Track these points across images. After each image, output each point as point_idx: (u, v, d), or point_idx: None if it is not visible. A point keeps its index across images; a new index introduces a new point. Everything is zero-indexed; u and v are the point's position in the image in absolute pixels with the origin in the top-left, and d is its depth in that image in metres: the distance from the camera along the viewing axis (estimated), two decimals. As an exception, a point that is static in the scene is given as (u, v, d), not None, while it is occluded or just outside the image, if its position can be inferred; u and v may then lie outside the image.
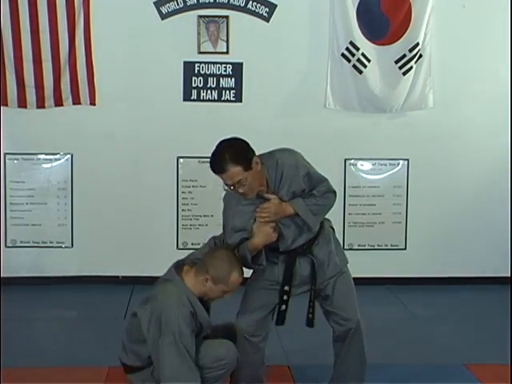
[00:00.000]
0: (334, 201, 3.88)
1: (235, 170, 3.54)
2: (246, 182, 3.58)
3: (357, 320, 3.91)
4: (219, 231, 3.89)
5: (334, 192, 3.87)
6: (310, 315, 3.91)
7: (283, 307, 3.85)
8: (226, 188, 3.65)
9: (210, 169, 3.63)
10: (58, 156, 6.12)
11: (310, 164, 3.84)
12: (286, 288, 3.84)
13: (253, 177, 3.60)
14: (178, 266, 3.68)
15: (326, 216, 3.95)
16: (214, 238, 3.94)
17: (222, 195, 3.83)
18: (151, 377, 3.67)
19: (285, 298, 3.84)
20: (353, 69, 6.04)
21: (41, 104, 5.94)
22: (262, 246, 3.74)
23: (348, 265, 4.09)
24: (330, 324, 3.96)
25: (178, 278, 3.59)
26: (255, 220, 3.73)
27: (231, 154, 3.57)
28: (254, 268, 3.83)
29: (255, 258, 3.75)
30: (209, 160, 3.61)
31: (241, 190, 3.60)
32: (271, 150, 3.80)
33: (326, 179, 3.84)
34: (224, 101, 6.12)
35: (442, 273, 6.38)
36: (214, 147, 3.65)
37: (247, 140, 3.81)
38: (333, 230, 4.04)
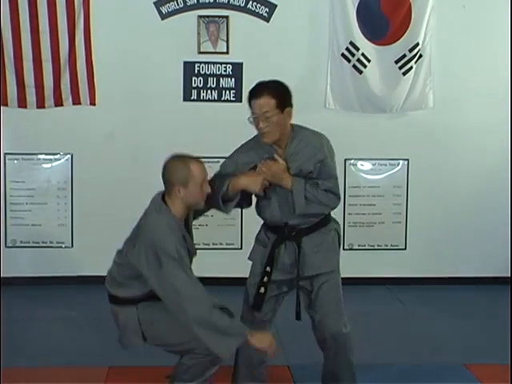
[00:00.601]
0: (333, 205, 3.84)
1: (268, 101, 3.62)
2: (270, 120, 3.64)
3: (337, 331, 3.81)
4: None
5: (338, 196, 3.82)
6: (298, 307, 3.87)
7: (262, 290, 3.80)
8: (251, 120, 3.71)
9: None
10: (57, 156, 6.13)
11: (333, 158, 3.83)
12: (268, 269, 3.79)
13: (278, 120, 3.67)
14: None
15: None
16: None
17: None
18: (135, 315, 3.64)
19: (265, 279, 3.80)
20: (353, 69, 6.05)
21: (41, 104, 5.94)
22: (241, 188, 3.71)
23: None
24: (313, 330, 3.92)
25: (164, 206, 3.59)
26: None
27: (273, 86, 3.69)
28: (218, 205, 3.77)
29: (226, 200, 3.75)
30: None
31: (262, 125, 3.65)
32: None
33: (337, 179, 3.82)
34: (224, 101, 6.13)
35: (442, 273, 6.38)
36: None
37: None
38: (338, 235, 3.95)
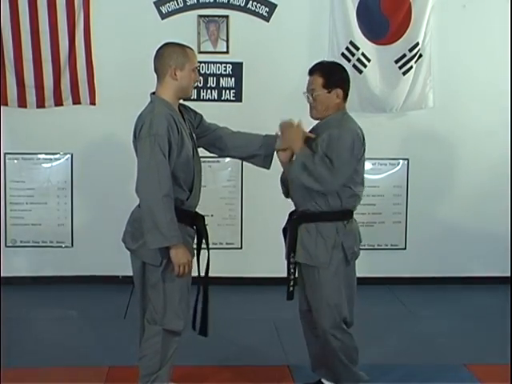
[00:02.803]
0: (326, 185, 3.73)
1: (317, 79, 3.86)
2: (316, 97, 3.85)
3: (324, 329, 3.86)
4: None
5: (330, 180, 3.71)
6: (291, 288, 3.92)
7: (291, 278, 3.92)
8: (304, 92, 3.93)
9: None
10: (57, 156, 6.13)
11: (348, 151, 3.75)
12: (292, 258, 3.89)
13: (324, 99, 3.87)
14: None
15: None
16: None
17: None
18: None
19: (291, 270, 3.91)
20: (353, 68, 6.04)
21: (41, 104, 5.94)
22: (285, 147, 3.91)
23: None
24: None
25: (157, 97, 3.72)
26: None
27: (327, 67, 3.94)
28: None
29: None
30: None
31: (310, 100, 3.90)
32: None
33: (341, 168, 3.73)
34: (224, 100, 6.12)
35: (442, 272, 6.38)
36: None
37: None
38: (342, 246, 3.88)
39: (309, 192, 3.79)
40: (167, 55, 3.75)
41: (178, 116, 3.69)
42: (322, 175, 3.70)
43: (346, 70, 3.99)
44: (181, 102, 3.85)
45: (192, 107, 6.20)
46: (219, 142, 3.99)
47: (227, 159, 6.02)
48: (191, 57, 3.78)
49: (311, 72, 3.90)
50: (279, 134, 3.96)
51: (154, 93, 3.79)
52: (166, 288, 3.68)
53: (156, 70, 3.78)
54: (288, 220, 3.99)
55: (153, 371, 3.72)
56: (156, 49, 5.95)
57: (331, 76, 3.86)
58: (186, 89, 3.75)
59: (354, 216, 3.94)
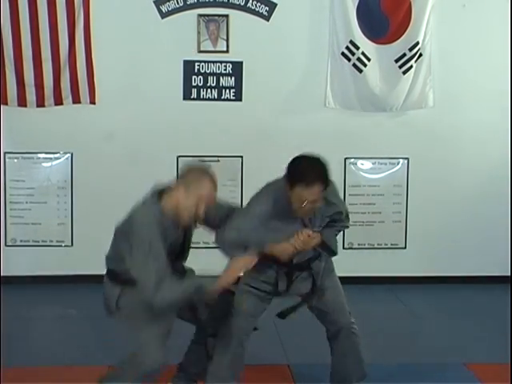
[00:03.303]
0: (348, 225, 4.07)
1: (321, 189, 3.61)
2: (317, 203, 3.66)
3: (348, 322, 3.94)
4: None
5: (349, 218, 4.03)
6: (291, 310, 3.99)
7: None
8: (302, 205, 3.62)
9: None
10: (57, 155, 6.12)
11: (337, 195, 3.96)
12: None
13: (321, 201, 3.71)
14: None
15: None
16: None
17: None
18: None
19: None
20: (353, 68, 6.04)
21: (41, 103, 5.94)
22: (272, 254, 3.77)
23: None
24: (323, 324, 4.00)
25: (156, 198, 3.68)
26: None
27: (324, 172, 3.65)
28: (236, 253, 3.78)
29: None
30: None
31: (310, 207, 3.63)
32: None
33: (348, 215, 3.99)
34: (224, 100, 6.12)
35: (442, 272, 6.38)
36: (302, 159, 3.73)
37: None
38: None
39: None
40: (186, 172, 3.66)
41: (164, 225, 3.61)
42: (341, 229, 4.04)
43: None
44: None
45: (192, 106, 6.25)
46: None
47: (227, 159, 6.05)
48: (205, 188, 3.58)
49: (324, 184, 3.62)
50: None
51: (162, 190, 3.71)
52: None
53: (183, 177, 3.67)
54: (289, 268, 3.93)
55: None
56: (155, 49, 6.01)
57: (329, 179, 3.69)
58: (182, 214, 3.62)
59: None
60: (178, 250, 3.72)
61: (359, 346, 3.99)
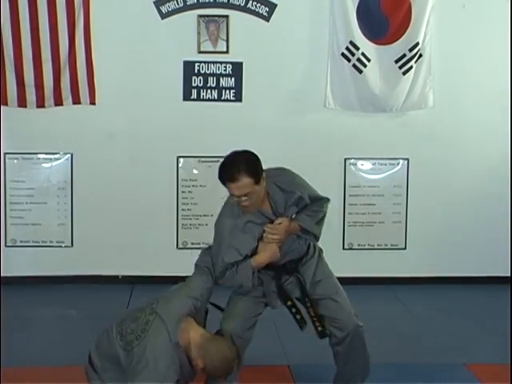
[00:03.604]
0: (327, 207, 4.01)
1: (247, 182, 3.59)
2: (253, 196, 3.63)
3: (354, 324, 3.91)
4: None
5: (328, 199, 4.00)
6: (319, 328, 3.92)
7: (298, 316, 3.94)
8: (232, 200, 3.69)
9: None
10: (57, 155, 6.12)
11: (301, 181, 3.94)
12: (289, 303, 3.92)
13: (259, 192, 3.67)
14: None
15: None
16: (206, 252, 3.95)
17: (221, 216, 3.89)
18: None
19: (293, 310, 3.94)
20: (353, 68, 6.04)
21: (41, 103, 5.94)
22: (266, 263, 3.81)
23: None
24: (328, 328, 3.97)
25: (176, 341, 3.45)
26: (258, 240, 3.80)
27: (245, 165, 3.62)
28: (248, 290, 3.84)
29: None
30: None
31: (246, 203, 3.65)
32: (268, 168, 3.84)
33: (320, 197, 3.97)
34: (224, 100, 6.12)
35: (442, 272, 6.37)
36: (225, 157, 3.71)
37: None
38: (320, 250, 4.11)
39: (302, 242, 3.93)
40: (207, 359, 3.41)
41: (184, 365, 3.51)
42: (323, 211, 3.97)
43: (250, 151, 3.75)
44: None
45: (192, 107, 6.25)
46: None
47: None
48: (226, 369, 3.46)
49: (235, 179, 3.58)
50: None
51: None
52: None
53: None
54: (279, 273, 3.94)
55: None
56: (155, 49, 6.01)
57: (257, 170, 3.65)
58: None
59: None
60: None
61: (367, 346, 3.97)
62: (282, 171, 3.94)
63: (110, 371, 3.59)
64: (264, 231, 3.79)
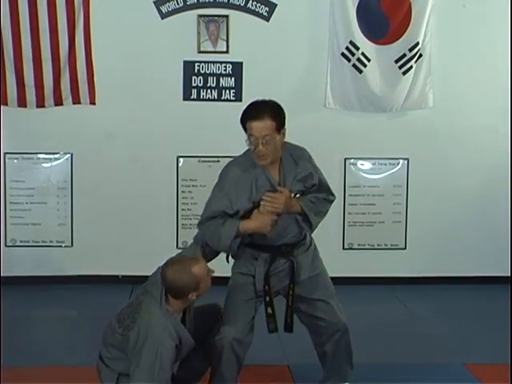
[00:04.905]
0: (329, 208, 3.99)
1: (270, 123, 3.58)
2: (270, 142, 3.59)
3: (343, 323, 3.92)
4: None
5: (331, 202, 3.97)
6: (289, 319, 3.90)
7: (269, 310, 3.83)
8: (248, 144, 3.65)
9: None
10: (57, 155, 6.12)
11: (317, 167, 3.92)
12: (267, 288, 3.81)
13: (277, 143, 3.64)
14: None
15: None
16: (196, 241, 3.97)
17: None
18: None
19: (267, 299, 3.82)
20: (353, 68, 6.04)
21: (41, 103, 5.94)
22: (252, 232, 3.71)
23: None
24: (315, 329, 3.98)
25: (165, 304, 3.55)
26: (255, 207, 3.71)
27: (270, 107, 3.66)
28: (225, 248, 3.76)
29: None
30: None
31: (262, 147, 3.59)
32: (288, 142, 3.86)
33: (329, 187, 3.94)
34: (224, 100, 6.12)
35: (442, 272, 6.38)
36: (253, 101, 3.74)
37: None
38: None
39: (300, 227, 3.85)
40: (178, 285, 3.51)
41: (182, 333, 3.57)
42: (324, 210, 3.92)
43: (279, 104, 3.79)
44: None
45: (192, 107, 6.25)
46: None
47: (227, 159, 6.04)
48: (201, 273, 3.54)
49: (259, 117, 3.59)
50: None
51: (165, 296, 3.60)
52: None
53: (167, 289, 3.57)
54: (274, 256, 3.85)
55: None
56: (155, 49, 6.01)
57: (281, 117, 3.67)
58: (204, 294, 3.62)
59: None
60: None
61: (350, 343, 3.99)
62: (301, 148, 3.90)
63: (119, 360, 3.65)
64: (262, 199, 3.68)
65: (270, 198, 3.65)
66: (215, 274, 3.67)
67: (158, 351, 3.42)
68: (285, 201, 3.67)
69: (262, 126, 3.57)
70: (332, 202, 3.98)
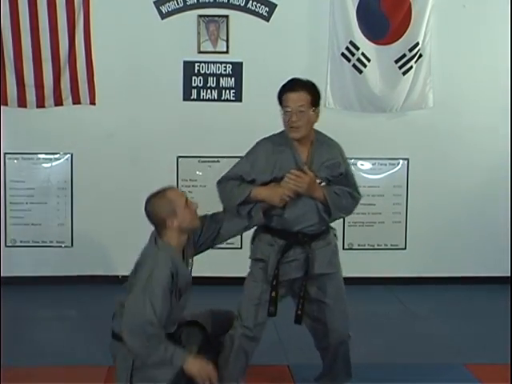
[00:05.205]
0: (354, 208, 3.97)
1: (305, 96, 3.72)
2: (304, 115, 3.72)
3: (346, 334, 3.94)
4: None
5: (358, 200, 3.94)
6: (299, 312, 3.88)
7: (273, 293, 3.82)
8: (283, 117, 3.77)
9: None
10: (57, 155, 6.13)
11: (348, 163, 3.96)
12: (276, 271, 3.81)
13: (310, 117, 3.75)
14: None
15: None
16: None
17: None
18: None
19: (274, 282, 3.81)
20: (353, 68, 6.04)
21: (41, 103, 5.94)
22: (260, 200, 3.75)
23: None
24: (315, 332, 3.99)
25: (160, 241, 3.63)
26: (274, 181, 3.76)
27: (309, 84, 3.81)
28: (233, 206, 3.81)
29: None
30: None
31: (295, 118, 3.70)
32: None
33: (355, 184, 3.95)
34: (224, 100, 6.12)
35: (442, 272, 6.37)
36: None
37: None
38: (336, 238, 4.05)
39: (320, 217, 3.83)
40: (156, 212, 3.62)
41: (180, 266, 3.61)
42: (350, 206, 3.91)
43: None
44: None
45: (192, 107, 6.25)
46: (218, 239, 3.93)
47: (227, 160, 6.04)
48: (175, 197, 3.64)
49: (296, 89, 3.75)
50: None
51: (157, 233, 3.69)
52: None
53: (155, 226, 3.68)
54: (290, 244, 3.86)
55: None
56: (155, 49, 6.02)
57: (317, 94, 3.80)
58: (189, 225, 3.65)
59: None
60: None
61: (349, 352, 4.00)
62: (335, 141, 3.98)
63: None
64: (286, 176, 3.73)
65: (294, 176, 3.70)
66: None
67: (151, 273, 3.49)
68: (308, 182, 3.71)
69: (297, 97, 3.72)
70: (357, 200, 3.93)
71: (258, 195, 3.75)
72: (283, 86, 3.80)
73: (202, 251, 3.90)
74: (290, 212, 3.78)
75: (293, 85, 3.77)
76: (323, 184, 3.81)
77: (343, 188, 3.84)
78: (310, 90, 3.75)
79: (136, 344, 3.46)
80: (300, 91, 3.72)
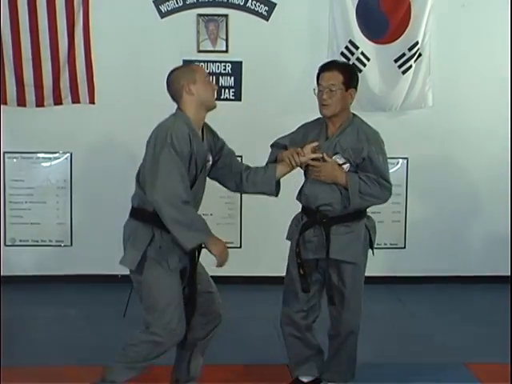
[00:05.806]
0: (386, 198, 4.02)
1: (338, 75, 3.84)
2: (334, 94, 3.82)
3: (357, 324, 3.97)
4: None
5: (389, 189, 3.96)
6: (329, 293, 3.96)
7: (301, 271, 3.90)
8: (315, 91, 3.89)
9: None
10: (57, 155, 6.13)
11: (383, 154, 3.92)
12: (297, 250, 3.91)
13: (342, 97, 3.84)
14: None
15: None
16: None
17: None
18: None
19: (298, 260, 3.91)
20: (352, 68, 6.05)
21: (40, 103, 5.94)
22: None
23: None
24: (331, 319, 4.03)
25: (178, 110, 3.75)
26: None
27: (345, 65, 4.15)
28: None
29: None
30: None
31: (325, 96, 3.83)
32: None
33: (387, 173, 3.93)
34: (223, 99, 6.11)
35: (442, 272, 6.38)
36: None
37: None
38: (369, 233, 4.09)
39: (341, 199, 3.88)
40: (175, 78, 3.72)
41: (196, 136, 3.68)
42: (378, 193, 3.95)
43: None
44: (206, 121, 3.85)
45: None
46: (236, 177, 3.94)
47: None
48: (198, 69, 3.77)
49: (329, 68, 3.89)
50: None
51: (177, 104, 3.79)
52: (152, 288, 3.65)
53: (173, 97, 3.78)
54: (310, 222, 3.94)
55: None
56: (155, 48, 6.01)
57: (350, 75, 3.90)
58: (206, 101, 3.72)
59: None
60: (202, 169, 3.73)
61: (356, 348, 4.03)
62: (375, 131, 3.97)
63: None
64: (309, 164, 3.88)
65: (316, 168, 3.85)
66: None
67: (168, 131, 3.63)
68: (331, 168, 3.82)
69: (330, 75, 3.85)
70: (387, 188, 3.93)
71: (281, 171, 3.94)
72: (320, 67, 3.95)
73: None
74: (309, 187, 3.93)
75: (328, 64, 3.96)
76: (347, 165, 3.85)
77: (370, 175, 3.86)
78: (344, 71, 3.87)
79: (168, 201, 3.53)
80: (333, 70, 3.86)
